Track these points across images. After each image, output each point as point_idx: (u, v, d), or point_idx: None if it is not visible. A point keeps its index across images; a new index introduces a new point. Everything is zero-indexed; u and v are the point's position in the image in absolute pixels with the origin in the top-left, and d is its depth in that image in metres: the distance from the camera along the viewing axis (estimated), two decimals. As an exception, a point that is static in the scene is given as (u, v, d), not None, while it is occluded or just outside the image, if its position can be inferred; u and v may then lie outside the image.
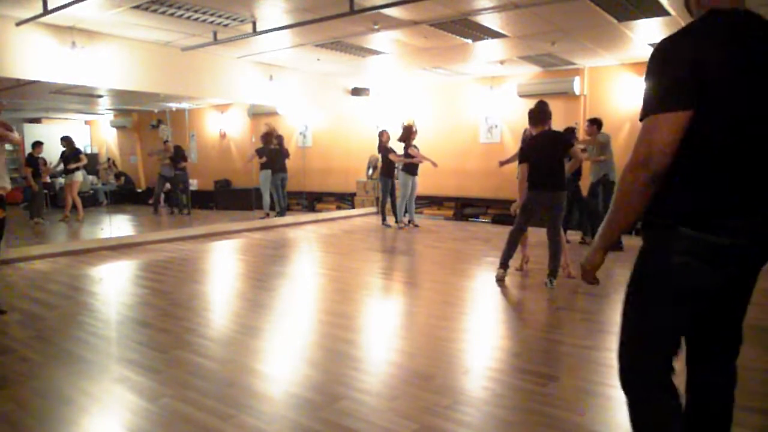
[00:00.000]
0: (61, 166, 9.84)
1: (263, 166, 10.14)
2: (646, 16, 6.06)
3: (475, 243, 7.93)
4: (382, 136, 9.31)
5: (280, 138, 10.41)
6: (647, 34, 6.84)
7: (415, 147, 9.07)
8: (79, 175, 9.75)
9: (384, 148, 9.25)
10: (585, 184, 7.45)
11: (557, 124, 5.51)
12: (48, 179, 10.75)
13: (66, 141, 9.67)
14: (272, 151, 10.18)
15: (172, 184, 11.31)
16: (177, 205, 11.52)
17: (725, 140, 1.50)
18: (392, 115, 11.27)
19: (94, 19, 6.31)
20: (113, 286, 5.47)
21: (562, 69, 9.20)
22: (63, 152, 9.68)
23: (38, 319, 4.22)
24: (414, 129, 9.15)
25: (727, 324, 1.79)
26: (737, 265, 1.58)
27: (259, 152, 10.19)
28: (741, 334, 1.82)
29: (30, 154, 9.56)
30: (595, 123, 7.22)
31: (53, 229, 9.35)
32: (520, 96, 9.61)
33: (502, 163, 6.68)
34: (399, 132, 9.20)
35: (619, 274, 5.79)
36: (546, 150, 5.12)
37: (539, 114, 5.18)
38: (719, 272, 1.56)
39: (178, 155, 11.07)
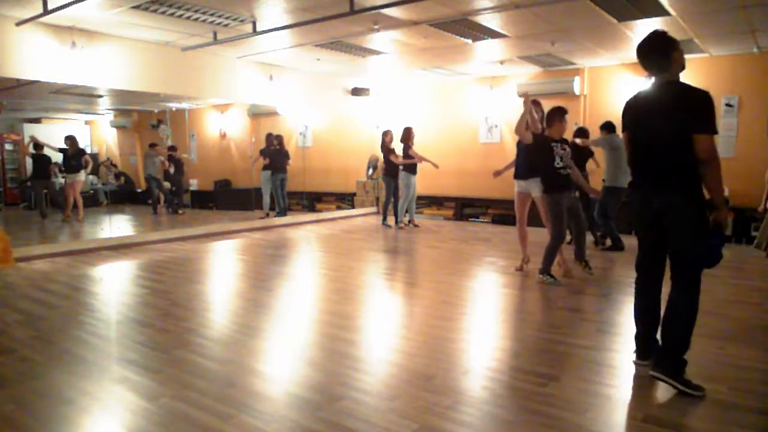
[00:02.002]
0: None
1: (265, 167, 10.17)
2: (646, 16, 6.06)
3: (475, 243, 7.93)
4: (386, 136, 9.32)
5: (280, 138, 10.42)
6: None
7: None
8: (82, 175, 9.75)
9: (387, 149, 9.26)
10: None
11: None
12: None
13: (70, 140, 9.67)
14: (273, 151, 10.20)
15: (161, 184, 11.34)
16: (171, 204, 11.53)
17: (632, 149, 3.12)
18: (392, 115, 11.27)
19: (94, 19, 6.31)
20: (113, 286, 5.47)
21: (562, 69, 9.20)
22: (66, 151, 9.67)
23: (38, 319, 4.22)
24: (413, 131, 9.19)
25: (671, 255, 3.01)
26: (643, 204, 3.04)
27: (263, 153, 10.22)
28: (679, 269, 2.98)
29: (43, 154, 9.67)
30: (603, 128, 7.14)
31: (53, 229, 9.35)
32: (520, 96, 9.59)
33: (497, 173, 6.27)
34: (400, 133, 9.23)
35: (618, 274, 5.80)
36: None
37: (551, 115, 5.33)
38: (639, 207, 3.09)
39: (177, 159, 11.16)
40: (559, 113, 5.22)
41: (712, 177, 2.83)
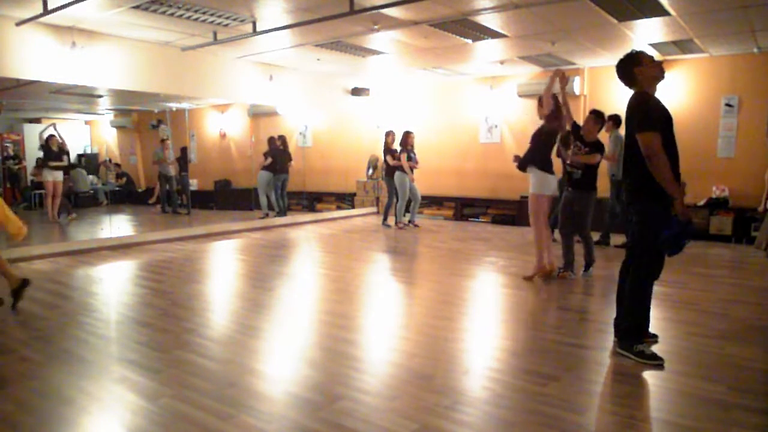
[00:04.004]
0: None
1: (266, 167, 10.14)
2: (646, 16, 6.06)
3: (475, 243, 7.93)
4: (388, 137, 9.33)
5: (283, 138, 10.40)
6: (647, 34, 6.84)
7: (412, 153, 9.09)
8: (57, 175, 9.57)
9: (388, 150, 9.26)
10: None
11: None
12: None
13: (51, 139, 9.61)
14: (276, 152, 10.19)
15: (172, 185, 11.34)
16: (179, 205, 11.54)
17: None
18: (392, 115, 11.27)
19: (94, 19, 6.31)
20: (113, 286, 5.47)
21: (562, 69, 9.19)
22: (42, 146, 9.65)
23: (38, 319, 4.22)
24: (412, 136, 9.18)
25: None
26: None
27: (266, 154, 10.19)
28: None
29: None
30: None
31: (53, 229, 9.34)
32: (520, 96, 9.61)
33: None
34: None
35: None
36: None
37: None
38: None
39: (184, 159, 11.15)
40: (597, 117, 5.41)
41: (654, 173, 3.12)
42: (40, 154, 10.05)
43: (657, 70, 3.31)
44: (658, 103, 3.26)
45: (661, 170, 3.10)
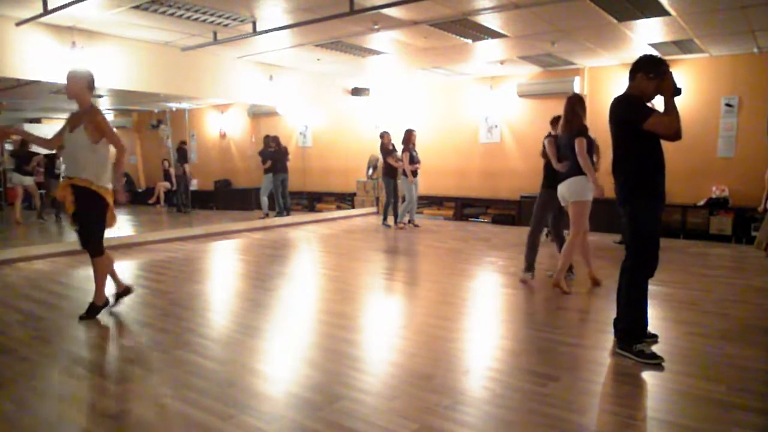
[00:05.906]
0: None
1: (268, 170, 10.14)
2: (646, 16, 6.06)
3: (475, 243, 7.93)
4: (383, 137, 9.33)
5: (276, 139, 10.38)
6: (647, 34, 6.84)
7: (414, 152, 9.08)
8: (26, 180, 9.59)
9: (386, 150, 9.26)
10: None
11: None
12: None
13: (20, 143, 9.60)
14: (273, 153, 10.19)
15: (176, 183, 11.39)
16: (179, 204, 11.56)
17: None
18: (392, 116, 11.28)
19: (94, 19, 6.31)
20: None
21: (562, 69, 9.20)
22: (13, 152, 9.61)
23: (38, 319, 4.22)
24: (414, 134, 9.14)
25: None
26: None
27: (264, 155, 10.18)
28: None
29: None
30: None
31: (53, 229, 9.35)
32: (520, 96, 9.62)
33: None
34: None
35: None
36: None
37: None
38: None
39: (183, 156, 11.18)
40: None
41: (676, 117, 3.22)
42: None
43: (648, 88, 3.29)
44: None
45: (676, 115, 3.18)
